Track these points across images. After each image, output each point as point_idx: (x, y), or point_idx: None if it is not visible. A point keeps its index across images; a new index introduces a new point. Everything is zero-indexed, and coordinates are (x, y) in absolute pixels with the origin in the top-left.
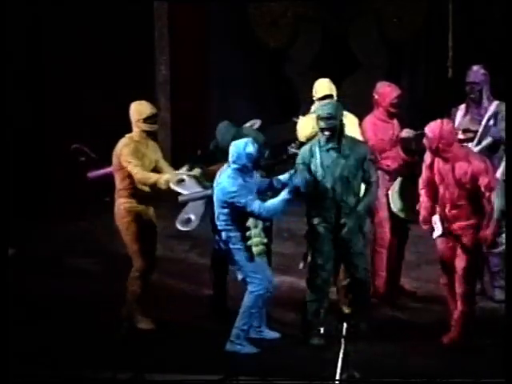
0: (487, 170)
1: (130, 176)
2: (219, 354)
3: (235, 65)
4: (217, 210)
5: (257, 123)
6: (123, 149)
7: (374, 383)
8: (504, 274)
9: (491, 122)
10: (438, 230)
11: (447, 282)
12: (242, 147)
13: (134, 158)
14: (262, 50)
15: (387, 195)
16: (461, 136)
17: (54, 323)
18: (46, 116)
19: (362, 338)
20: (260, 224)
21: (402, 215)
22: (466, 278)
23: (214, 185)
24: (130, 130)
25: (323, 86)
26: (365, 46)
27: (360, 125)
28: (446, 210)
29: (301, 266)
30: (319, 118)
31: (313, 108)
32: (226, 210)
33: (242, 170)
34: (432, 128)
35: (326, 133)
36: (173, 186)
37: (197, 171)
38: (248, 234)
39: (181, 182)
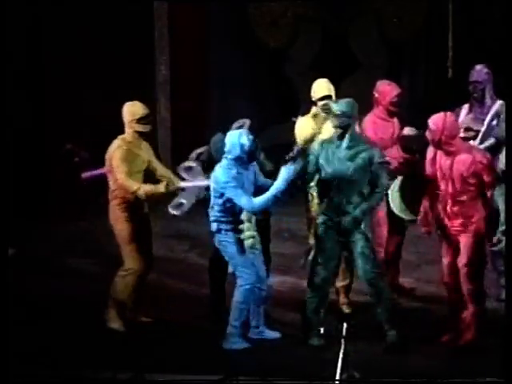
0: (490, 165)
1: None
2: (219, 354)
3: (235, 65)
4: (212, 200)
5: (246, 123)
6: (115, 151)
7: (374, 383)
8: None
9: (494, 122)
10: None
11: (449, 281)
12: (236, 137)
13: (123, 162)
14: (262, 50)
15: (386, 195)
16: (462, 134)
17: (54, 323)
18: (45, 116)
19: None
20: (253, 218)
21: (402, 215)
22: (470, 276)
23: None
24: None
25: (322, 87)
26: (365, 45)
27: (360, 124)
28: (448, 207)
29: (301, 262)
30: (332, 115)
31: (313, 110)
32: (219, 201)
33: (236, 161)
34: (435, 120)
35: (339, 130)
36: (180, 172)
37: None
38: (241, 227)
39: (189, 169)
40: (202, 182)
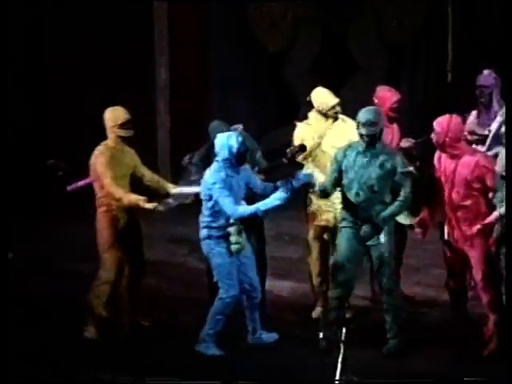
0: (494, 170)
1: None
2: (218, 358)
3: (235, 65)
4: (203, 205)
5: (239, 128)
6: (98, 157)
7: None
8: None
9: (502, 130)
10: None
11: (452, 286)
12: (225, 139)
13: (108, 168)
14: (261, 51)
15: None
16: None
17: (53, 323)
18: (45, 116)
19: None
20: (238, 224)
21: (402, 221)
22: (487, 288)
23: None
24: None
25: (329, 96)
26: (364, 47)
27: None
28: (451, 212)
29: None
30: (359, 124)
31: (312, 116)
32: (208, 204)
33: (225, 163)
34: (440, 122)
35: (366, 139)
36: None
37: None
38: (228, 230)
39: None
40: (193, 189)
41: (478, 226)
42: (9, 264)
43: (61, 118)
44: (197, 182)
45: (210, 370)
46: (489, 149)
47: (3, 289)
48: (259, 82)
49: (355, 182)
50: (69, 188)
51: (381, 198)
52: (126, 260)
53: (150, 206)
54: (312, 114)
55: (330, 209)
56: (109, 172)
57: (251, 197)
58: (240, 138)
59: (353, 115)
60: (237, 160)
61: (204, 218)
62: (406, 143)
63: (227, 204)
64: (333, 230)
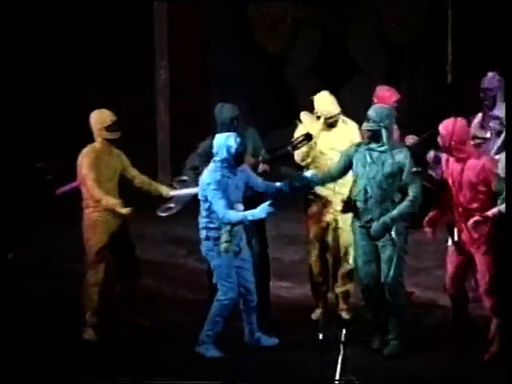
0: (499, 174)
1: None
2: (218, 359)
3: (235, 65)
4: (201, 206)
5: None
6: (84, 158)
7: None
8: None
9: None
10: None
11: (453, 289)
12: (223, 139)
13: (92, 170)
14: (261, 52)
15: None
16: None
17: (54, 323)
18: (45, 116)
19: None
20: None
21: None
22: (491, 292)
23: None
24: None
25: (332, 106)
26: (364, 47)
27: (360, 130)
28: (458, 215)
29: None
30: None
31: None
32: (205, 205)
33: (223, 164)
34: (445, 125)
35: (366, 132)
36: (174, 184)
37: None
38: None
39: (182, 182)
40: (190, 190)
41: (476, 218)
42: (9, 264)
43: (61, 118)
44: (194, 183)
45: (210, 371)
46: (496, 153)
47: (3, 289)
48: (259, 83)
49: (364, 177)
50: (58, 191)
51: (389, 195)
52: (116, 262)
53: (125, 211)
54: (303, 116)
55: (330, 210)
56: (92, 173)
57: (256, 196)
58: (238, 139)
59: (353, 115)
60: (235, 160)
61: (202, 218)
62: (410, 140)
63: (219, 207)
64: (333, 231)
